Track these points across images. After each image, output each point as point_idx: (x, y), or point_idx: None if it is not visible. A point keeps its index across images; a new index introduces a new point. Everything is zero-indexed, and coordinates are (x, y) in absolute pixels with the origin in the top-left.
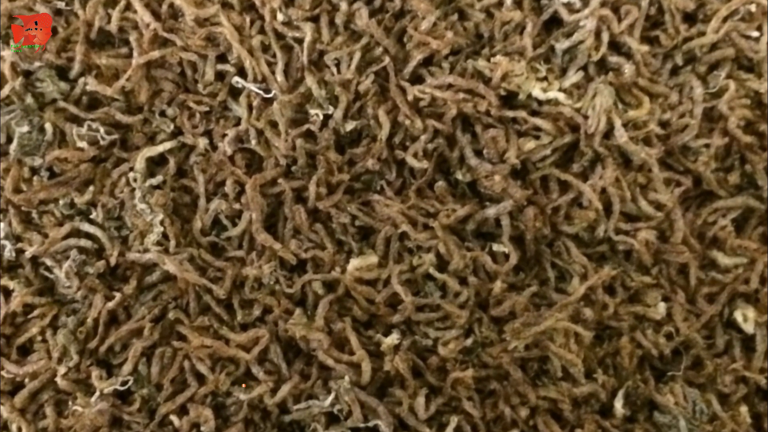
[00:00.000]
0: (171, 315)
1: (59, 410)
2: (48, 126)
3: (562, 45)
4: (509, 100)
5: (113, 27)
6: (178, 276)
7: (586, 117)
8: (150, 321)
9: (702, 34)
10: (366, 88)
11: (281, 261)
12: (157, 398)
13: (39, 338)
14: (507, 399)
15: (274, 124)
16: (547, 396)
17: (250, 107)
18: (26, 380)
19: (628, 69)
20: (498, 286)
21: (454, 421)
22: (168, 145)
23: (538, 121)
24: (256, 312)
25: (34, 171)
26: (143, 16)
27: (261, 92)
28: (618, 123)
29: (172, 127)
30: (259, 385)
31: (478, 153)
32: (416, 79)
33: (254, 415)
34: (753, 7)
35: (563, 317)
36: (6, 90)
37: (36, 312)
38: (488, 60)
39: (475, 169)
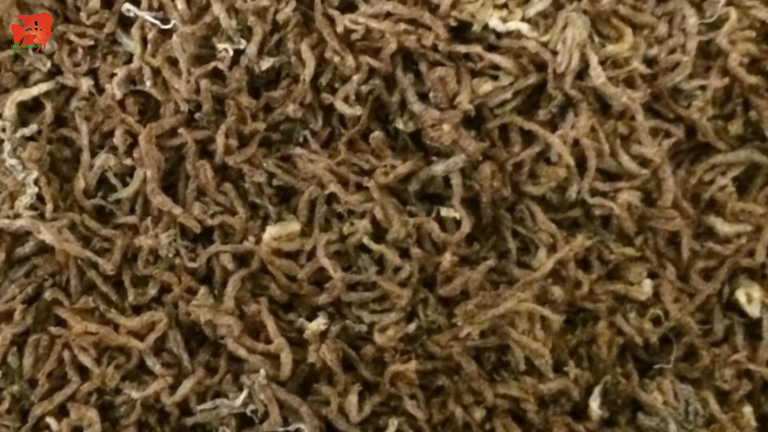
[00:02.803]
0: (47, 295)
1: None
2: None
3: None
4: (461, 32)
5: None
6: (56, 247)
7: (554, 53)
8: (22, 302)
9: None
10: (286, 17)
11: (182, 229)
12: (31, 396)
13: None
14: (458, 397)
15: (173, 62)
16: (508, 394)
17: (144, 41)
18: None
19: None
20: (447, 259)
21: (393, 424)
22: (44, 87)
23: (496, 58)
24: (152, 291)
25: None
26: None
27: (158, 22)
28: (594, 60)
29: (48, 65)
30: (156, 381)
31: (423, 97)
32: (347, 6)
33: (149, 417)
34: None
35: (527, 297)
36: None
37: None
38: None
39: (419, 117)
